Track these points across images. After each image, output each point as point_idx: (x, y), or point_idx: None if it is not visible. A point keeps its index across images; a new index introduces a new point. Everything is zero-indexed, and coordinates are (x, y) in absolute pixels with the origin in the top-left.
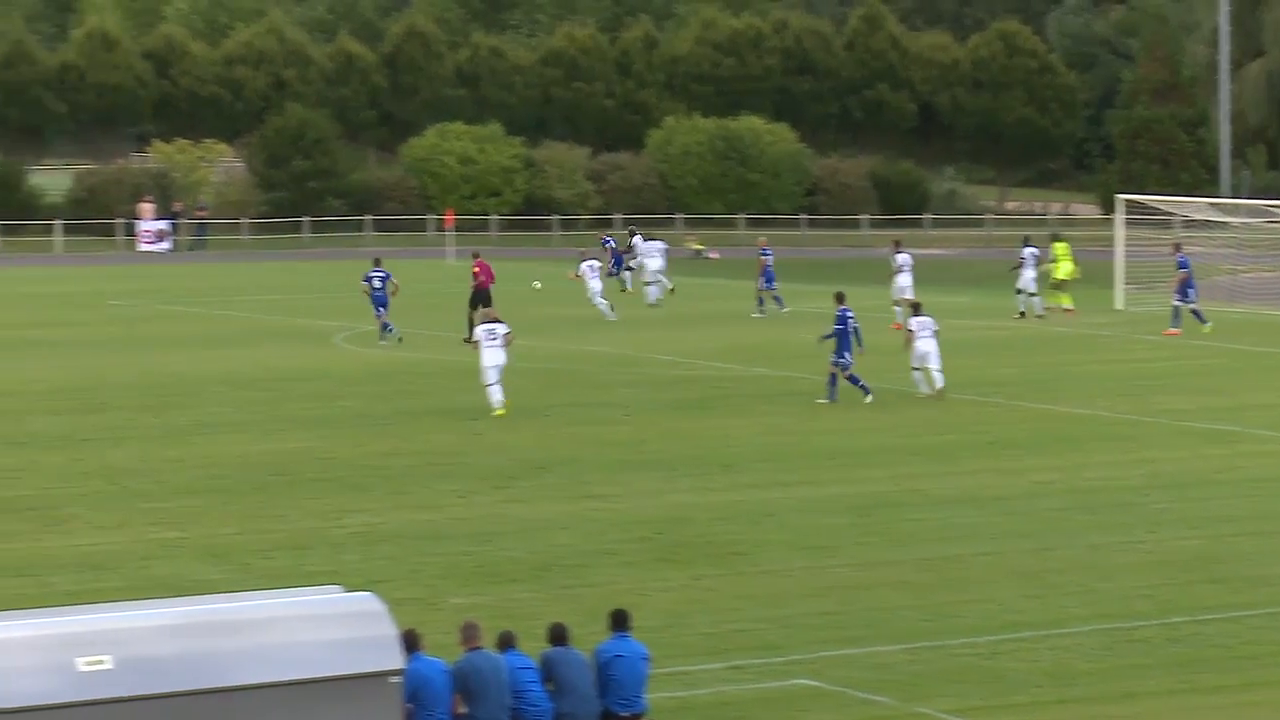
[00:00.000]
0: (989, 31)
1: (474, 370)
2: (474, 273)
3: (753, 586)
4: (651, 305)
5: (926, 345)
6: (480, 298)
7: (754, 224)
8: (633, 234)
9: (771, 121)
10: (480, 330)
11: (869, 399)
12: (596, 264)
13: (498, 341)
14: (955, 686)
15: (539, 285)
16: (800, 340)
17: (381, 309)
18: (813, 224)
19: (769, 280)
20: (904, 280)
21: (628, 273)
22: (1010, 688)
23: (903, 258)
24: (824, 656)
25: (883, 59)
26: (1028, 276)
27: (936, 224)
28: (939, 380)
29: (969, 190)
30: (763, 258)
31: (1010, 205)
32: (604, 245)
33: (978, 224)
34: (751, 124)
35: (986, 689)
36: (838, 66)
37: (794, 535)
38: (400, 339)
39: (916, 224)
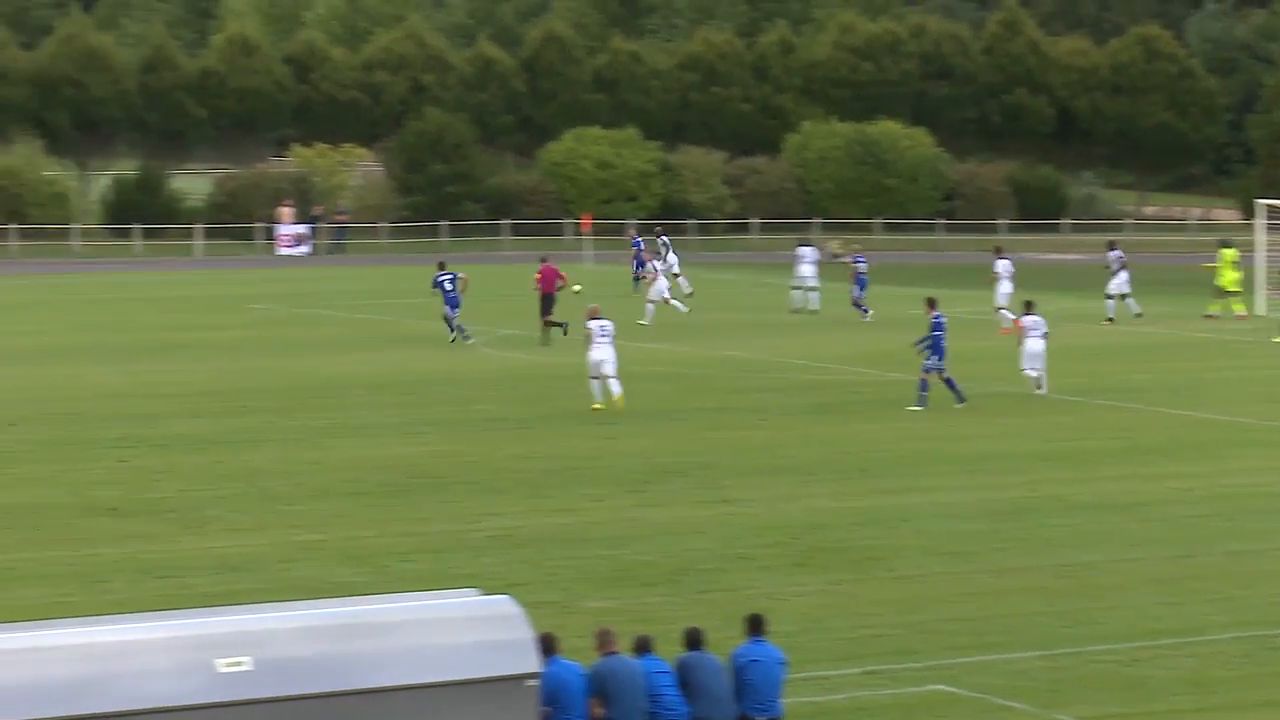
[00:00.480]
0: (1128, 36)
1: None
2: (536, 278)
3: (889, 592)
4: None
5: (1036, 345)
6: (546, 302)
7: (890, 229)
8: (660, 236)
9: (909, 126)
10: (593, 325)
11: (961, 405)
12: (660, 264)
13: (607, 338)
14: (1093, 694)
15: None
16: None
17: (454, 310)
18: (950, 229)
19: (861, 287)
20: (1005, 288)
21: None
22: (1149, 695)
23: (1003, 264)
24: (960, 663)
25: (1021, 63)
26: (1118, 280)
27: (1075, 229)
28: (1042, 383)
29: (1107, 195)
30: (856, 265)
31: (1149, 210)
32: (634, 247)
33: (1116, 229)
34: (889, 128)
35: (1125, 696)
36: (976, 71)
37: (931, 540)
38: (471, 342)
39: (1054, 229)
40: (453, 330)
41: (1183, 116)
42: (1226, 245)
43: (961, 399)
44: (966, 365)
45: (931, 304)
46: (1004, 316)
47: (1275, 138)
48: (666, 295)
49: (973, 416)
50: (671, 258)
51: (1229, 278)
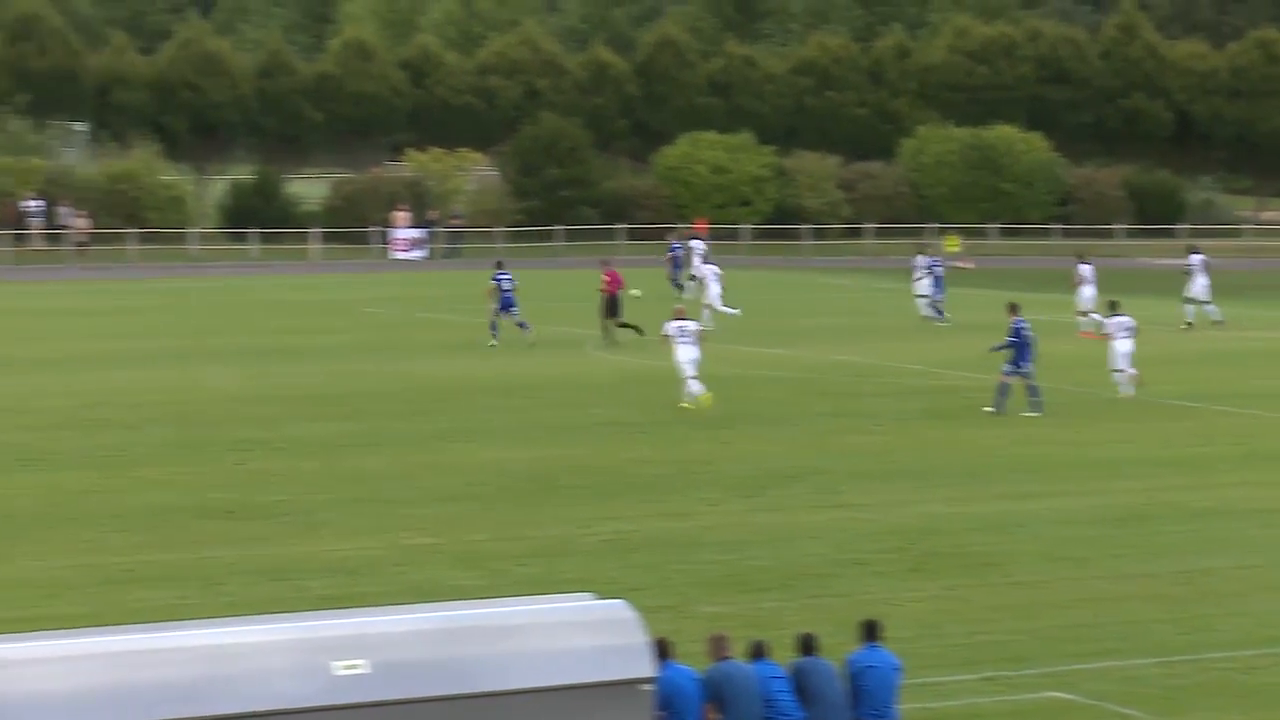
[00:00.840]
0: (1247, 39)
1: (722, 378)
2: (604, 281)
3: (1005, 597)
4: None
5: (1125, 345)
6: (610, 305)
7: (1006, 233)
8: (683, 243)
9: (1025, 130)
10: (671, 327)
11: (1038, 414)
12: (717, 269)
13: (689, 338)
14: (1212, 700)
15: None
16: (1060, 352)
17: (514, 309)
18: (1067, 233)
19: (938, 289)
20: (1088, 291)
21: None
22: (1267, 703)
23: (1086, 269)
24: (1076, 669)
25: (1139, 67)
26: (1199, 284)
27: (1193, 234)
28: (1130, 382)
29: (1225, 200)
30: (934, 269)
31: (1267, 215)
32: (671, 252)
33: (1235, 234)
34: (1004, 133)
35: (1243, 704)
36: (1092, 75)
37: (1047, 546)
38: (494, 345)
39: (1171, 234)
40: (521, 329)
41: None
42: None
43: (1039, 408)
44: (1061, 370)
45: (1013, 309)
46: (1089, 320)
47: None
48: (720, 307)
49: (1088, 421)
50: (700, 264)
51: None
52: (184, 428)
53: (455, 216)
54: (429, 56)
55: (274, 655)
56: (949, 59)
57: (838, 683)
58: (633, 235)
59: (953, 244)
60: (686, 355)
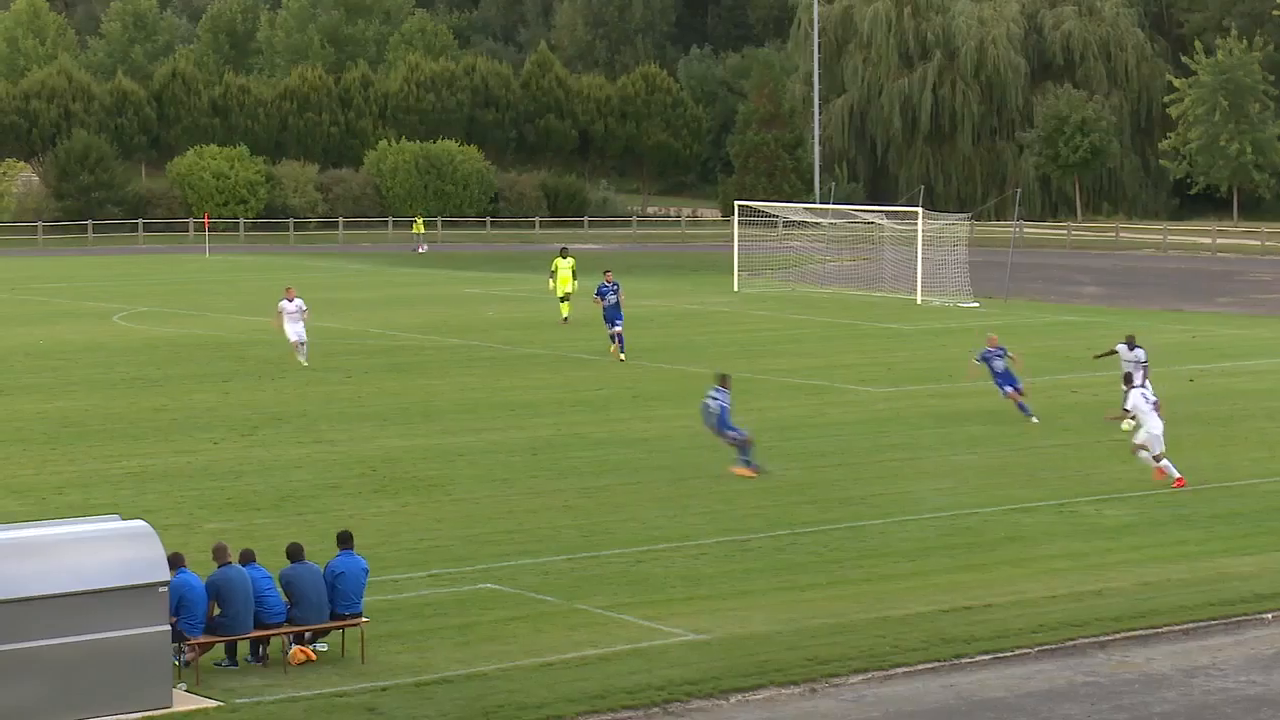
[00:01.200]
0: (634, 73)
1: (220, 343)
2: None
3: (448, 511)
4: None
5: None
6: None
7: (449, 225)
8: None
9: (463, 144)
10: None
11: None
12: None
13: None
14: (609, 586)
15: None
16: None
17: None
18: (495, 224)
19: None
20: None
21: None
22: (651, 588)
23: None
24: (504, 566)
25: (551, 94)
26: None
27: (594, 224)
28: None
29: (619, 198)
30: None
31: (650, 210)
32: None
33: (626, 224)
34: (447, 146)
35: (633, 588)
36: (515, 100)
37: (480, 470)
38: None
39: (580, 224)
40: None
41: (675, 136)
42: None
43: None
44: (491, 331)
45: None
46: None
47: (747, 153)
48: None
49: (507, 371)
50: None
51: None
52: None
53: None
54: None
55: None
56: (404, 88)
57: (320, 582)
58: (149, 229)
59: (419, 228)
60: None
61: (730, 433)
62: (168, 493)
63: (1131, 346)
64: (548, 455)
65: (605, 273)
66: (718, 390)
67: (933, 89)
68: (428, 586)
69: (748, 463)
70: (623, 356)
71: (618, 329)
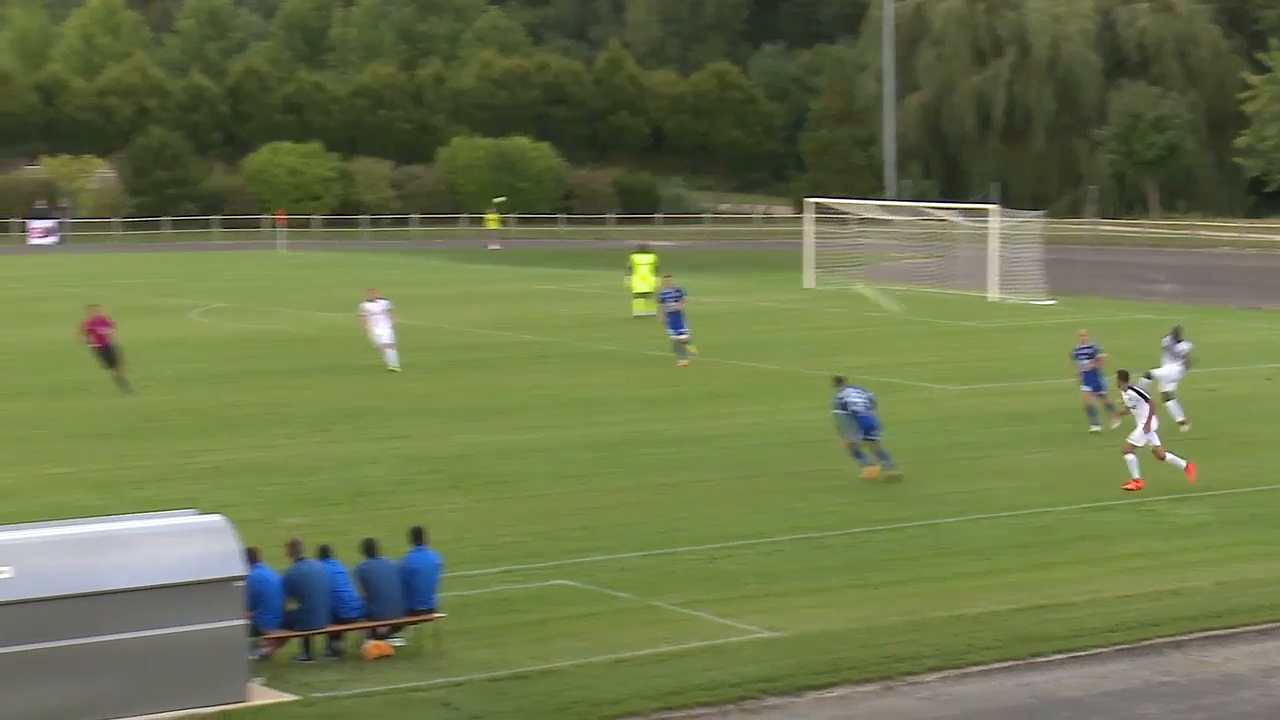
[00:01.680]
0: (706, 70)
1: (295, 339)
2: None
3: (521, 508)
4: None
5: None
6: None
7: (522, 221)
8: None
9: (536, 141)
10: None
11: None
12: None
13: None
14: (682, 583)
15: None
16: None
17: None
18: (570, 221)
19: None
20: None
21: None
22: (725, 584)
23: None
24: (578, 562)
25: (623, 92)
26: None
27: (667, 222)
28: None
29: (692, 195)
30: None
31: (723, 207)
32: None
33: (699, 221)
34: (520, 143)
35: (707, 585)
36: (588, 97)
37: (553, 467)
38: None
39: (650, 221)
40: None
41: (748, 133)
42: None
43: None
44: (563, 329)
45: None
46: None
47: (820, 150)
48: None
49: (581, 368)
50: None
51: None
52: None
53: (61, 208)
54: (58, 81)
55: None
56: (476, 85)
57: (395, 577)
58: (224, 225)
59: (492, 223)
60: (381, 330)
61: (871, 436)
62: (244, 488)
63: (1178, 339)
64: (621, 452)
65: (666, 277)
66: (855, 390)
67: (1006, 85)
68: (501, 582)
69: (886, 464)
70: (683, 363)
71: (679, 337)
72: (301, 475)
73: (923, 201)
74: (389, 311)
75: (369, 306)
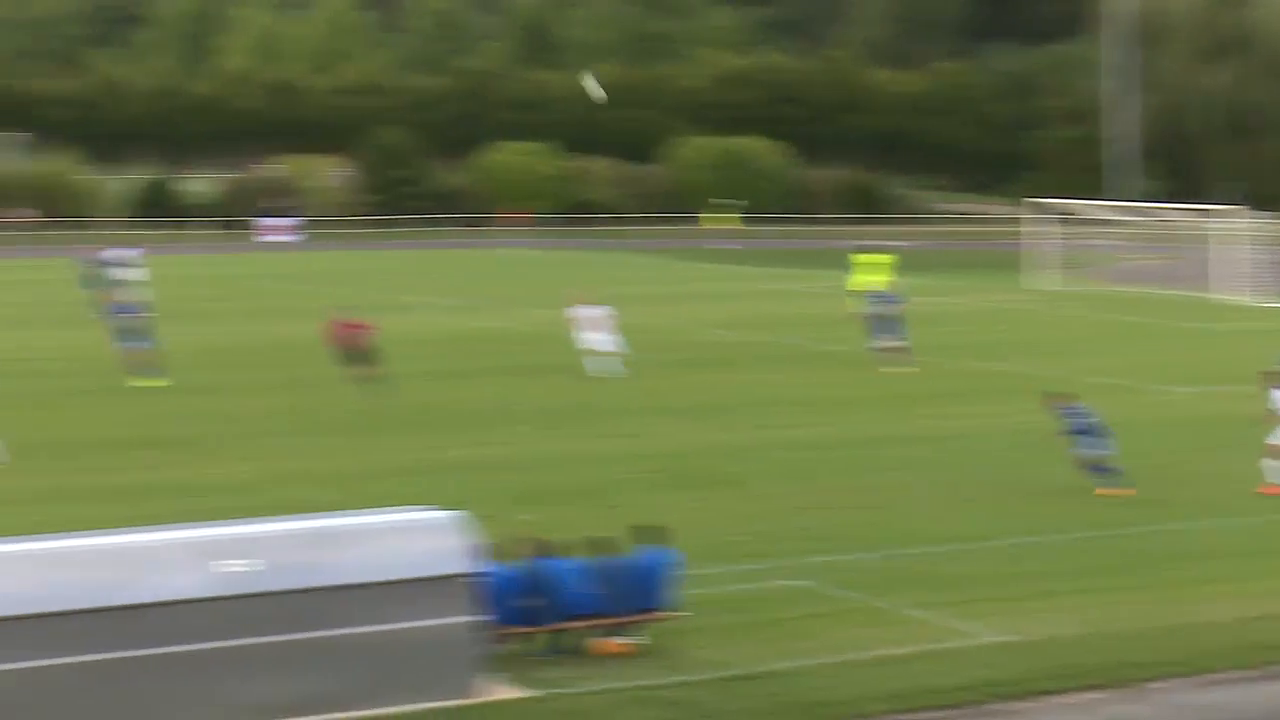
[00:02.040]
0: (937, 68)
1: (518, 335)
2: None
3: (747, 507)
4: None
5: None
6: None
7: (749, 221)
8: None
9: (765, 140)
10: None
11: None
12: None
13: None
14: (915, 584)
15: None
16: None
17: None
18: (801, 220)
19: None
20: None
21: None
22: (958, 585)
23: None
24: (807, 562)
25: (853, 90)
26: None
27: (897, 221)
28: None
29: (923, 195)
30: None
31: (957, 207)
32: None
33: (929, 222)
34: (748, 142)
35: (939, 585)
36: (816, 96)
37: (779, 466)
38: None
39: (881, 221)
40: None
41: (976, 133)
42: None
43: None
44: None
45: None
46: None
47: (1048, 149)
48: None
49: (804, 368)
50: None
51: None
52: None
53: (293, 208)
54: (293, 80)
55: (164, 554)
56: (705, 84)
57: (627, 575)
58: (453, 223)
59: (722, 221)
60: (594, 336)
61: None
62: (476, 483)
63: None
64: (846, 452)
65: (880, 280)
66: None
67: (1241, 84)
68: (728, 582)
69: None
70: (883, 369)
71: (885, 344)
72: (531, 471)
73: (1153, 202)
74: (608, 318)
75: (581, 311)
